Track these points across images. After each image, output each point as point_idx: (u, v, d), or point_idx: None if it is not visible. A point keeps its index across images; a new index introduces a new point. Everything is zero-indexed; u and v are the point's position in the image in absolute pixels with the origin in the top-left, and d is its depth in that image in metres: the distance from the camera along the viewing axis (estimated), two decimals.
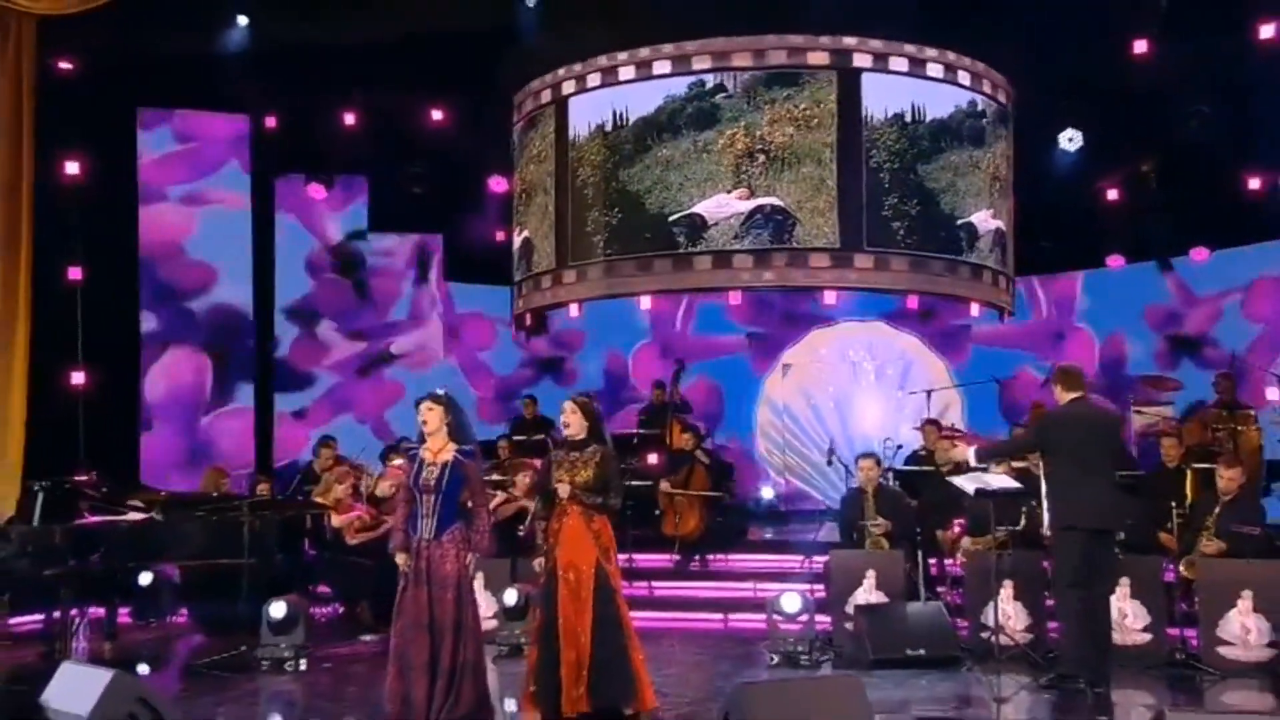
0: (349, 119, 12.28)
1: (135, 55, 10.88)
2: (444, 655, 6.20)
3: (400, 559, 6.34)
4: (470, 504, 6.43)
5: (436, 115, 12.40)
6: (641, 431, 12.12)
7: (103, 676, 5.89)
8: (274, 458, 12.62)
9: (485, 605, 7.89)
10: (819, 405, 14.81)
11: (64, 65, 10.26)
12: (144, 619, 9.58)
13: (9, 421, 9.68)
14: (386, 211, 13.58)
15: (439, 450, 6.26)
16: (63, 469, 9.67)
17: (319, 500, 9.98)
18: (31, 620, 8.94)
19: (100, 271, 10.90)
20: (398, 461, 8.97)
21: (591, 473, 6.37)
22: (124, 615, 9.34)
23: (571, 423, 6.53)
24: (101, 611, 8.91)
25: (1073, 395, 7.33)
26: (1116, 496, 7.62)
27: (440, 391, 6.72)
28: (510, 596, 8.30)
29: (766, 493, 13.77)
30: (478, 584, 7.35)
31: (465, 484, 6.30)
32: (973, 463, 7.92)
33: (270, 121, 12.24)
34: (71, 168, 10.45)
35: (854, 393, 14.65)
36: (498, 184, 12.80)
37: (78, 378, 10.55)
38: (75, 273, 10.52)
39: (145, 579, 9.35)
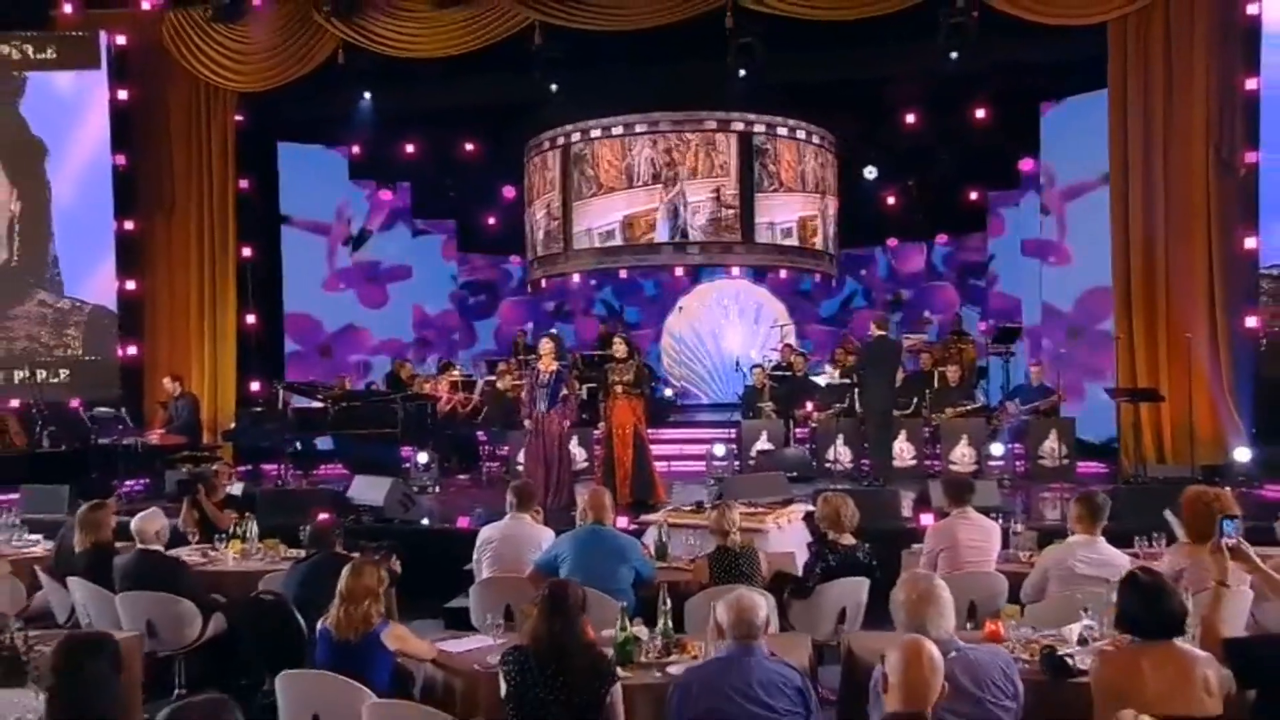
0: (409, 149, 13.70)
1: (276, 110, 11.75)
2: (552, 477, 8.43)
3: (527, 424, 8.59)
4: (565, 393, 8.55)
5: (469, 147, 13.83)
6: (600, 352, 13.09)
7: (385, 481, 7.69)
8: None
9: None
10: (701, 333, 16.04)
11: (238, 118, 11.24)
12: (302, 470, 10.39)
13: (227, 347, 11.07)
14: (425, 205, 14.94)
15: (549, 365, 8.50)
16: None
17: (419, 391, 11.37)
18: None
19: (259, 250, 11.87)
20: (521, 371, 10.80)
21: (631, 375, 8.54)
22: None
23: (619, 348, 8.72)
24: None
25: (881, 332, 9.43)
26: (896, 388, 9.95)
27: (554, 332, 9.12)
28: None
29: (667, 392, 14.59)
30: None
31: (564, 384, 8.53)
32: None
33: (355, 150, 13.56)
34: (244, 183, 11.47)
35: (725, 325, 15.92)
36: (509, 191, 14.24)
37: (250, 319, 11.56)
38: (246, 250, 11.46)
39: (296, 445, 10.21)
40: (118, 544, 5.47)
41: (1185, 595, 3.78)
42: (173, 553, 5.65)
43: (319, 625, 3.81)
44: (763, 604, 3.29)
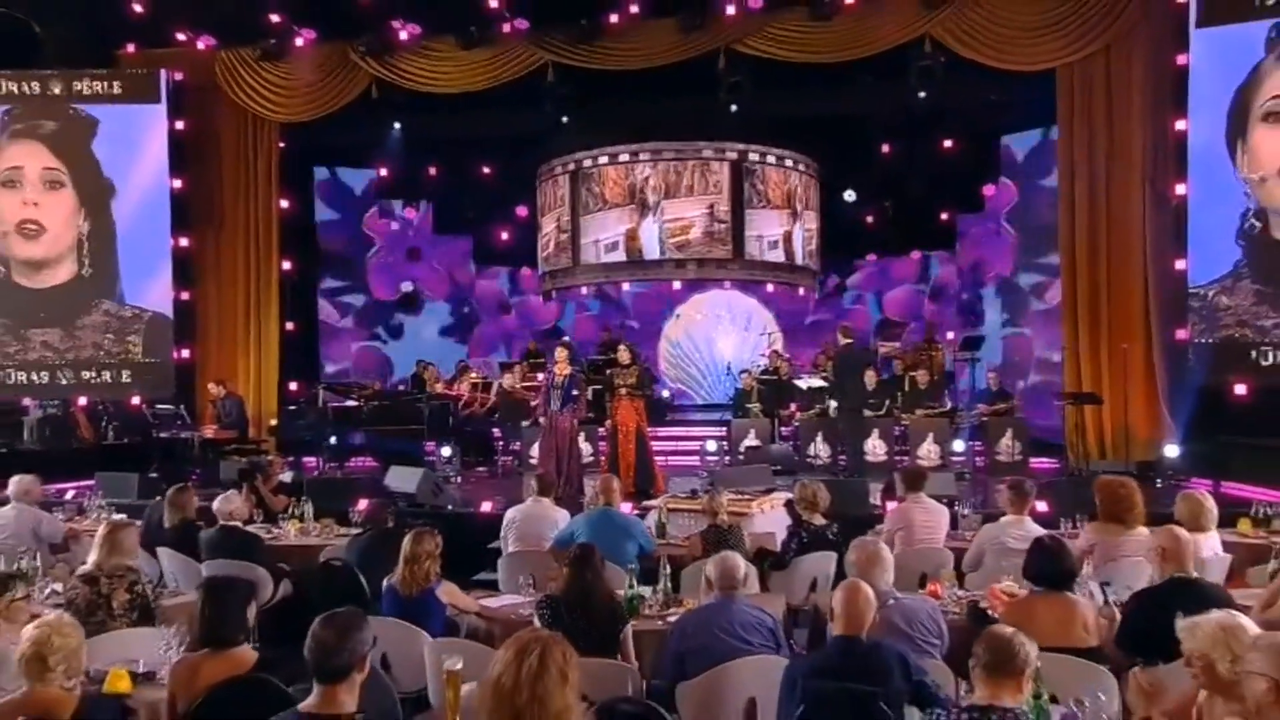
0: (431, 171, 14.29)
1: (313, 137, 12.30)
2: (563, 469, 8.88)
3: (543, 421, 9.27)
4: (576, 393, 9.13)
5: (486, 170, 14.32)
6: (602, 356, 13.07)
7: (417, 471, 8.16)
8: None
9: None
10: (695, 339, 16.25)
11: (280, 144, 11.84)
12: (337, 462, 10.75)
13: (271, 351, 11.66)
14: (444, 222, 15.47)
15: (563, 369, 9.07)
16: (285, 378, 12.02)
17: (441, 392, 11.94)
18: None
19: (297, 262, 12.41)
20: (540, 375, 11.09)
21: (634, 379, 9.10)
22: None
23: (623, 355, 9.31)
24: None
25: (847, 340, 10.00)
26: (867, 389, 10.45)
27: (566, 339, 9.71)
28: None
29: (665, 393, 14.80)
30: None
31: (575, 386, 9.10)
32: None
33: (383, 172, 14.17)
34: (284, 202, 12.04)
35: (718, 332, 16.07)
36: (522, 210, 14.73)
37: (289, 325, 12.08)
38: (286, 264, 11.98)
39: (333, 439, 10.66)
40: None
41: (1088, 564, 4.48)
42: None
43: (385, 583, 4.45)
44: (742, 564, 3.95)
